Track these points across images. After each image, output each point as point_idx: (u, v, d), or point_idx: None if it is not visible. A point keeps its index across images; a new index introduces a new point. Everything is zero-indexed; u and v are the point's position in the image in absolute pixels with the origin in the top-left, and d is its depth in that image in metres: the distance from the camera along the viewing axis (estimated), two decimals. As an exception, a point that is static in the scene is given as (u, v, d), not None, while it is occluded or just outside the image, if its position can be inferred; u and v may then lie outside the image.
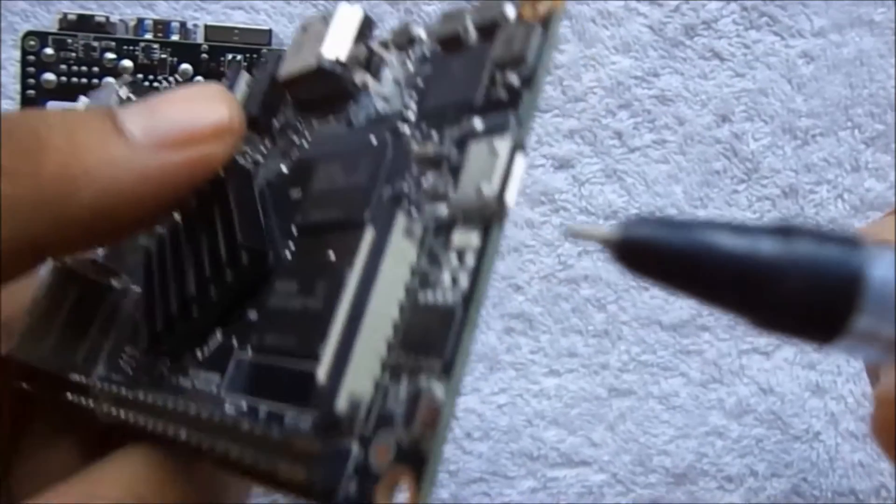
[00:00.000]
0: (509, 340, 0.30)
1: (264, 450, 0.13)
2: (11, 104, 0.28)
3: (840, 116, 0.31)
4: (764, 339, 0.31)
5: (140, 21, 0.26)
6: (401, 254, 0.13)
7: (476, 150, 0.13)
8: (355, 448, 0.12)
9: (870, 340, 0.12)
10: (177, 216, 0.18)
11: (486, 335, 0.30)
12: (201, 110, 0.17)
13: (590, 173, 0.31)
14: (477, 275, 0.12)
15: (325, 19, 0.17)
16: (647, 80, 0.31)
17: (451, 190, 0.13)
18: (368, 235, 0.13)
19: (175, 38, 0.25)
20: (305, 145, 0.18)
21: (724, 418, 0.31)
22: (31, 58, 0.24)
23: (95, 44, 0.25)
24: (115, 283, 0.20)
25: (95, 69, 0.25)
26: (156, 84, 0.24)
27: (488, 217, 0.12)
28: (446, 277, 0.12)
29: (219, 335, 0.16)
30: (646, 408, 0.30)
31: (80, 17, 0.25)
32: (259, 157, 0.19)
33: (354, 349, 0.12)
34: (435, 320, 0.12)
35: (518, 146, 0.12)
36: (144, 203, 0.16)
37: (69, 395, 0.19)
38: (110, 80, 0.24)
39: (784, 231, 0.11)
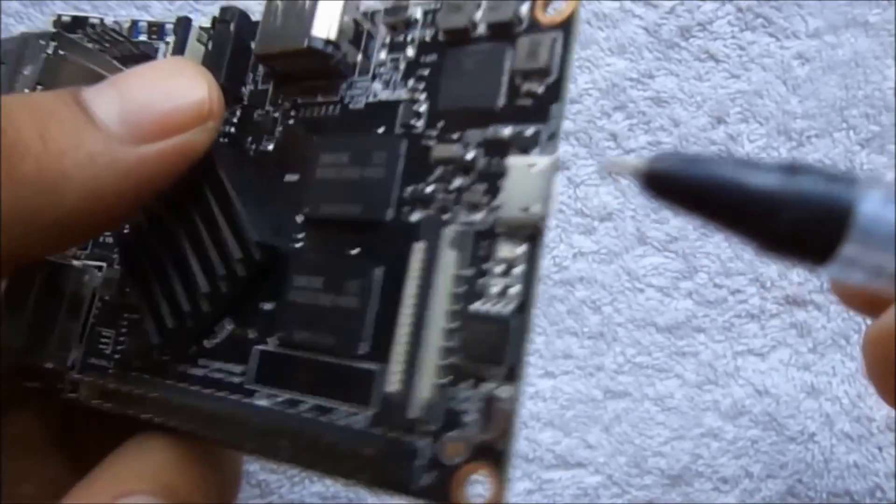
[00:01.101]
0: (504, 342, 0.30)
1: (335, 454, 0.14)
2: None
3: (835, 118, 0.31)
4: (759, 341, 0.31)
5: (134, 23, 0.26)
6: (449, 264, 0.14)
7: (516, 166, 0.13)
8: (424, 445, 0.13)
9: (858, 266, 0.13)
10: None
11: (482, 337, 0.30)
12: (179, 91, 0.16)
13: (585, 175, 0.31)
14: (529, 285, 0.13)
15: None
16: (643, 81, 0.31)
17: (485, 200, 0.14)
18: (420, 249, 0.14)
19: (170, 39, 0.25)
20: (291, 123, 0.17)
21: (720, 420, 0.31)
22: (25, 60, 0.24)
23: (90, 45, 0.25)
24: (74, 262, 0.20)
25: (90, 71, 0.25)
26: (88, 41, 0.23)
27: (534, 232, 0.13)
28: (495, 288, 0.13)
29: (228, 324, 0.16)
30: (641, 409, 0.30)
31: (75, 18, 0.25)
32: (230, 129, 0.18)
33: (420, 358, 0.13)
34: (493, 331, 0.13)
35: (557, 163, 0.13)
36: (126, 199, 0.15)
37: (39, 384, 0.19)
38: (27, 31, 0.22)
39: (790, 168, 0.13)
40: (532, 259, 0.13)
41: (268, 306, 0.16)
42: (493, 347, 0.13)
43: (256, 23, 0.17)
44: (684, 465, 0.31)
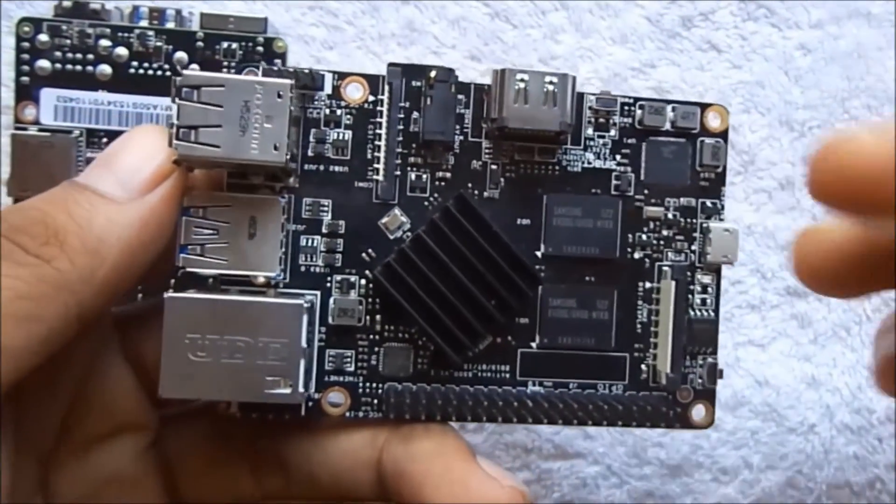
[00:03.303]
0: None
1: (619, 411, 0.21)
2: (6, 91, 0.28)
3: (837, 109, 0.31)
4: (760, 332, 0.31)
5: (135, 8, 0.26)
6: (669, 288, 0.22)
7: (716, 229, 0.22)
8: (669, 396, 0.22)
9: None
10: (438, 252, 0.20)
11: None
12: (152, 149, 0.19)
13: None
14: (718, 298, 0.22)
15: (544, 78, 0.20)
16: (645, 71, 0.31)
17: (684, 246, 0.22)
18: (671, 284, 0.21)
19: (170, 25, 0.25)
20: (513, 177, 0.22)
21: (719, 410, 0.30)
22: (26, 44, 0.24)
23: (90, 31, 0.24)
24: (267, 297, 0.20)
25: (90, 56, 0.24)
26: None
27: (720, 268, 0.22)
28: (698, 301, 0.22)
29: (489, 337, 0.21)
30: (641, 399, 0.30)
31: (76, 3, 0.25)
32: (446, 174, 0.21)
33: (677, 350, 0.21)
34: (709, 328, 0.22)
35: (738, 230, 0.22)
36: (152, 242, 0.19)
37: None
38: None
39: None
40: (718, 283, 0.22)
41: (524, 320, 0.21)
42: (710, 336, 0.22)
43: (465, 83, 0.21)
44: (684, 455, 0.31)
